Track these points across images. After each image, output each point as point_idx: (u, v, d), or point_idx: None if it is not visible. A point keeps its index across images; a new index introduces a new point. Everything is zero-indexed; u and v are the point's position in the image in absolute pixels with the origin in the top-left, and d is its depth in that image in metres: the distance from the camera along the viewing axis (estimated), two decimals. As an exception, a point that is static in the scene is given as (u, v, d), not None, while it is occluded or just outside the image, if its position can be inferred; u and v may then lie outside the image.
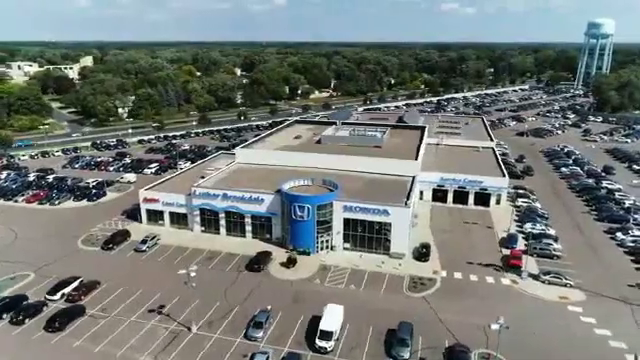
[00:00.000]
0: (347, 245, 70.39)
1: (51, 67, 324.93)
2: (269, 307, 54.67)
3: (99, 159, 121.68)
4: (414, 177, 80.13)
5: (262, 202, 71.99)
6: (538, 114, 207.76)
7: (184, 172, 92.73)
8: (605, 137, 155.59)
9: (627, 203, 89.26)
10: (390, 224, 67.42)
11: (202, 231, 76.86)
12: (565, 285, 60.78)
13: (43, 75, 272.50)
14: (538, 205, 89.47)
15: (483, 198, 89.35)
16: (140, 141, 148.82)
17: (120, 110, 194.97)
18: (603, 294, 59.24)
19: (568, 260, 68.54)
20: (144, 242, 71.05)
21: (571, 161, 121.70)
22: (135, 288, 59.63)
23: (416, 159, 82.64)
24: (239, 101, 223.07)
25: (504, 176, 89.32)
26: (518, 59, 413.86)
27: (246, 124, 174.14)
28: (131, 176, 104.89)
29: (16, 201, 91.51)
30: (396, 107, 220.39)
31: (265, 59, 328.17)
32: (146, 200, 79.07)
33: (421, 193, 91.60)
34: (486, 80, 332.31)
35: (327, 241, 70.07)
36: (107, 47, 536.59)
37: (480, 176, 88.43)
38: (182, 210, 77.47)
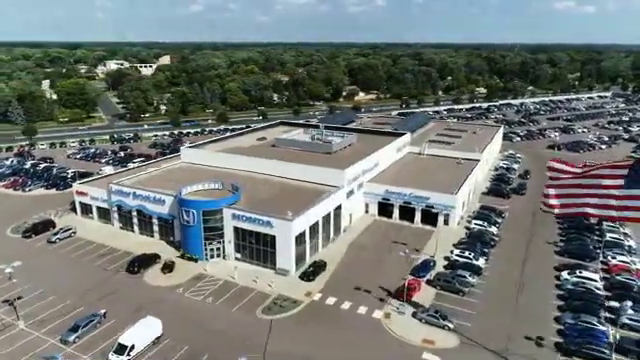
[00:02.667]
0: (239, 255, 66.79)
1: (127, 65, 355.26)
2: (102, 311, 53.48)
3: (97, 151, 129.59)
4: (337, 188, 73.97)
5: (164, 203, 70.94)
6: (596, 125, 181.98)
7: (139, 167, 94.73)
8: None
9: (608, 236, 74.09)
10: (275, 237, 62.67)
11: (120, 227, 77.99)
12: (443, 327, 51.69)
13: (115, 72, 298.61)
14: (494, 229, 77.69)
15: (431, 216, 79.81)
16: (155, 136, 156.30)
17: (162, 107, 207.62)
18: (482, 343, 49.37)
19: (477, 297, 58.38)
20: (56, 233, 73.80)
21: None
22: (11, 277, 61.82)
23: (344, 169, 75.85)
24: (276, 101, 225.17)
25: (455, 193, 78.71)
26: (611, 62, 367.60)
27: (265, 124, 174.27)
28: (109, 169, 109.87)
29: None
30: (435, 112, 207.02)
31: (321, 59, 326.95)
32: (78, 193, 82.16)
33: (366, 206, 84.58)
34: (558, 85, 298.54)
35: (218, 249, 67.13)
36: (204, 47, 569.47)
37: (427, 192, 78.97)
38: (105, 205, 79.22)
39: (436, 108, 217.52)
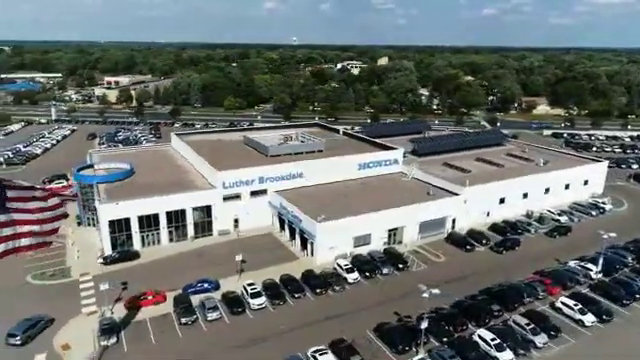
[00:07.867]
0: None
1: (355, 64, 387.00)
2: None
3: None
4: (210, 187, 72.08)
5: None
6: None
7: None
8: None
9: (488, 339, 48.16)
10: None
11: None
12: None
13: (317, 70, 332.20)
14: (353, 277, 60.46)
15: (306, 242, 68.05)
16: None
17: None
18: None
19: (191, 334, 49.96)
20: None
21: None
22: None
23: (220, 170, 72.41)
24: (427, 106, 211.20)
25: (319, 221, 63.88)
26: None
27: (300, 123, 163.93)
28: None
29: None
30: (613, 138, 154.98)
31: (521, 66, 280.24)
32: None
33: (272, 216, 78.03)
34: None
35: (93, 219, 75.97)
36: (466, 51, 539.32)
37: (301, 214, 67.38)
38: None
39: (620, 133, 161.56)
